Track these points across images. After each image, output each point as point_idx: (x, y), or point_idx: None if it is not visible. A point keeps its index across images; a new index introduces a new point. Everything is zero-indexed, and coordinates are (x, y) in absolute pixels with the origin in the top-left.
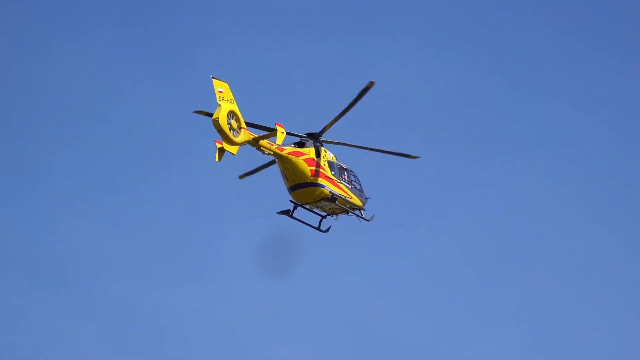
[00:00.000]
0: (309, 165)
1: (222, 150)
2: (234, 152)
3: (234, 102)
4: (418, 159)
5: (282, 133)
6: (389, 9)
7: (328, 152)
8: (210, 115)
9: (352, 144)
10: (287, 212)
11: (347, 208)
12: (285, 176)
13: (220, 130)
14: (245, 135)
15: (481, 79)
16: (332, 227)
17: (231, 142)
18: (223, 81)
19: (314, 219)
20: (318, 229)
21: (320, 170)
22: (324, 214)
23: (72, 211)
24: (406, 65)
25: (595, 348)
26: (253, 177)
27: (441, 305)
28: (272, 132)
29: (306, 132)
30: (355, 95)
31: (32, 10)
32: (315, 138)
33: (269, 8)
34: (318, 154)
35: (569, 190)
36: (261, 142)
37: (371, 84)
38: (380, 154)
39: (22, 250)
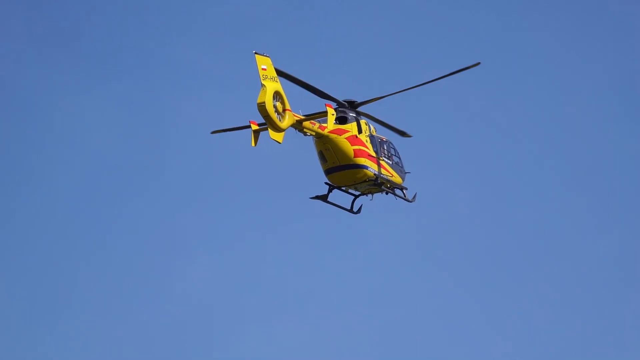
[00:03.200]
0: (352, 145)
1: (257, 133)
2: (280, 140)
3: (277, 80)
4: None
5: (332, 115)
6: None
7: (368, 124)
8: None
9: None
10: (322, 197)
11: (388, 188)
12: (324, 157)
13: (266, 116)
14: (289, 118)
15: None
16: (363, 205)
17: (277, 129)
18: (266, 55)
19: (346, 200)
20: (350, 210)
21: (363, 148)
22: (357, 193)
23: None
24: None
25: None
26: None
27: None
28: (319, 113)
29: (344, 99)
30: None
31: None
32: (353, 108)
33: None
34: (360, 130)
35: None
36: (304, 123)
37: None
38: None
39: None
